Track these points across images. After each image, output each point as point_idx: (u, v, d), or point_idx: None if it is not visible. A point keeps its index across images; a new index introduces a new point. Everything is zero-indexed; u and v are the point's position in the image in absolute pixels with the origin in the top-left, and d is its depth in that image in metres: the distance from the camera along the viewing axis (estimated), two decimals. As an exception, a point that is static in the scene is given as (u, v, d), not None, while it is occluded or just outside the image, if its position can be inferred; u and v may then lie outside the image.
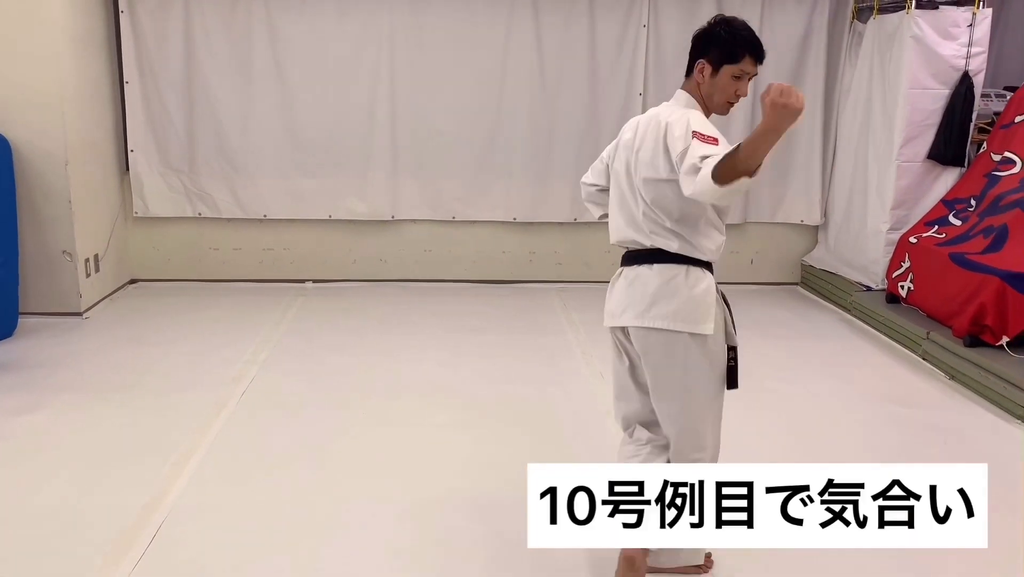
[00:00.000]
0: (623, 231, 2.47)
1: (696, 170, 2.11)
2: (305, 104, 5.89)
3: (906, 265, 5.22)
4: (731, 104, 2.43)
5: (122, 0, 5.57)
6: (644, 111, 5.92)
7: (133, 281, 6.07)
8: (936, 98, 5.31)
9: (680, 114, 2.30)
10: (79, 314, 5.16)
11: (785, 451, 3.58)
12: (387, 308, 5.63)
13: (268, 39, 5.74)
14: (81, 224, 5.15)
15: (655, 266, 2.37)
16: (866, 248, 5.73)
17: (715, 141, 2.19)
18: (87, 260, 5.26)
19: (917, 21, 5.18)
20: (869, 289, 5.65)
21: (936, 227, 5.22)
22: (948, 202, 5.35)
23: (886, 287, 5.44)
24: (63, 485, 3.12)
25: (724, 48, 2.36)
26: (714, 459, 2.53)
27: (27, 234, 4.95)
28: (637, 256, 2.42)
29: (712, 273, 2.41)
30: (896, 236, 5.45)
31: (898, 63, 5.35)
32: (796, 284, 6.58)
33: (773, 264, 6.58)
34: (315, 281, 6.20)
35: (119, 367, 4.37)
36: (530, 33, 5.90)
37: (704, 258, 2.37)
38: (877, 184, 5.62)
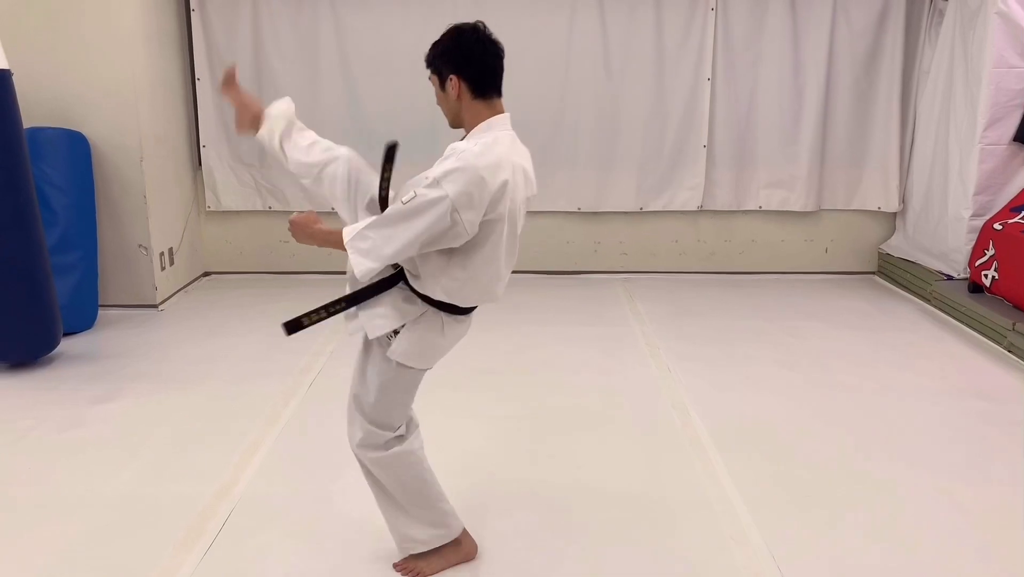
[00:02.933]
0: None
1: None
2: (370, 97, 5.93)
3: (990, 253, 4.99)
4: None
5: (193, -2, 5.70)
6: (712, 97, 5.89)
7: (206, 274, 6.21)
8: (1023, 77, 5.05)
9: None
10: (155, 306, 5.31)
11: (861, 449, 3.46)
12: (452, 299, 5.64)
13: (334, 33, 5.79)
14: (156, 218, 5.29)
15: None
16: (947, 235, 5.50)
17: None
18: (162, 253, 5.40)
19: (1003, -4, 4.94)
20: (950, 278, 5.43)
21: (1022, 213, 4.98)
22: (1036, 187, 5.10)
23: (968, 276, 5.22)
24: (137, 472, 3.21)
25: None
26: None
27: (105, 229, 5.11)
28: None
29: None
30: (979, 223, 5.21)
31: (982, 41, 5.11)
32: (873, 273, 6.37)
33: (849, 253, 6.37)
34: (382, 273, 6.24)
35: (192, 358, 4.48)
36: (594, 19, 5.82)
37: None
38: (959, 168, 5.39)
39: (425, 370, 2.39)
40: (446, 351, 2.38)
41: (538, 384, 4.15)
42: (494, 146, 2.12)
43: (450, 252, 2.19)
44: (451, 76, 2.18)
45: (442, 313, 2.28)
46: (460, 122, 2.25)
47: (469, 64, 2.17)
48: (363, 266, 2.13)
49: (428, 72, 2.24)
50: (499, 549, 2.70)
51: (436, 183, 2.07)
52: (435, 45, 2.23)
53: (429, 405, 3.84)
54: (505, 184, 2.11)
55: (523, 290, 5.81)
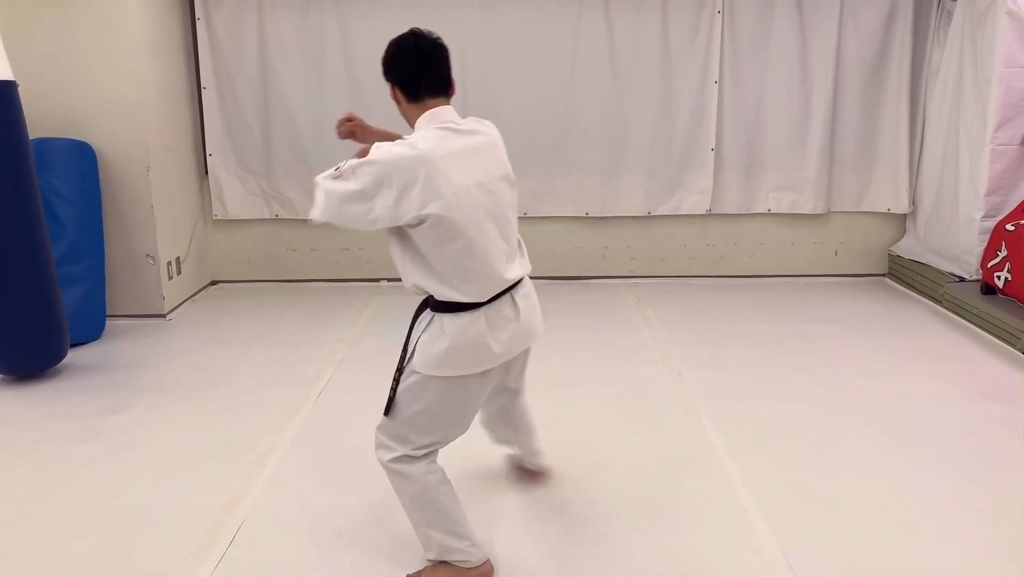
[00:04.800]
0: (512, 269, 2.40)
1: None
2: (376, 104, 5.88)
3: (1003, 254, 4.95)
4: None
5: (198, 7, 5.68)
6: (720, 100, 5.86)
7: (214, 283, 6.20)
8: (1034, 77, 5.02)
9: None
10: (163, 316, 5.30)
11: (876, 454, 3.42)
12: (461, 306, 5.62)
13: (340, 40, 5.78)
14: (163, 228, 5.29)
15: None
16: (958, 237, 5.46)
17: None
18: (169, 263, 5.39)
19: (1012, -4, 4.91)
20: (962, 280, 5.39)
21: (1035, 213, 4.94)
22: (1048, 187, 5.06)
23: (981, 277, 5.17)
24: (147, 484, 3.19)
25: None
26: None
27: (112, 238, 5.11)
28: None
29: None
30: (991, 224, 5.17)
31: (991, 41, 5.07)
32: (883, 275, 6.32)
33: (859, 255, 6.33)
34: (389, 280, 6.23)
35: (201, 367, 4.46)
36: (600, 23, 5.80)
37: None
38: (970, 169, 5.35)
39: (449, 383, 2.35)
40: (462, 355, 2.31)
41: (548, 390, 4.11)
42: (415, 142, 2.21)
43: (416, 249, 2.24)
44: (391, 85, 2.38)
45: (443, 315, 2.29)
46: (411, 124, 2.40)
47: (397, 74, 2.35)
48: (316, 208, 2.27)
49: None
50: (510, 556, 2.67)
51: (350, 171, 2.20)
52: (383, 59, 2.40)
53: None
54: (424, 176, 2.15)
55: (531, 296, 5.78)
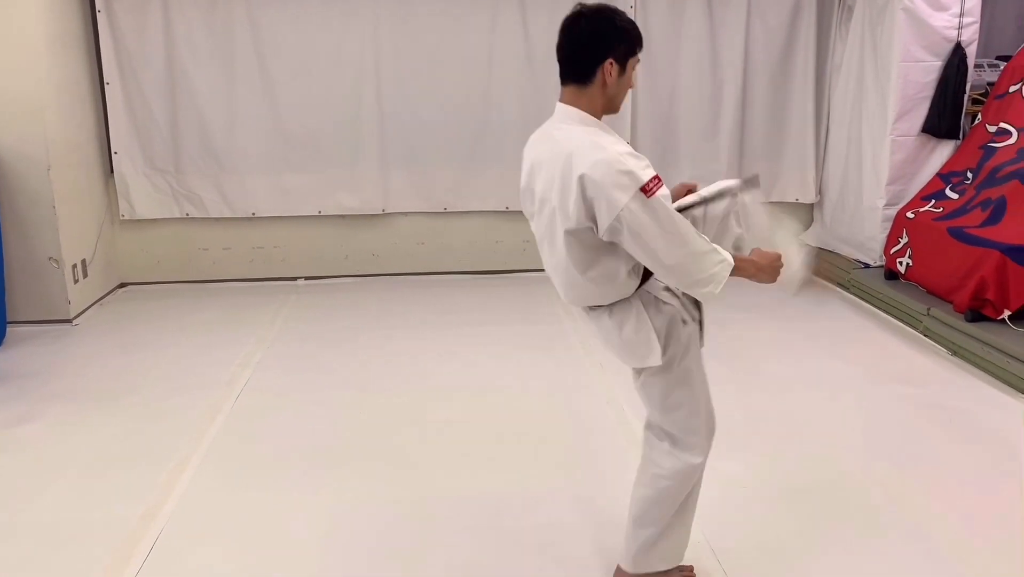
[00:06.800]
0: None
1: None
2: (290, 98, 5.80)
3: (904, 241, 5.17)
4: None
5: (98, -2, 5.47)
6: (634, 94, 5.94)
7: (123, 285, 5.99)
8: (929, 70, 5.25)
9: (591, 148, 2.09)
10: (68, 321, 5.09)
11: (785, 436, 3.53)
12: (381, 303, 5.57)
13: (250, 33, 5.64)
14: (67, 229, 5.07)
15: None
16: (862, 225, 5.68)
17: (658, 180, 2.07)
18: (74, 266, 5.18)
19: (907, -8, 5.12)
20: (867, 266, 5.61)
21: (933, 201, 5.17)
22: (944, 176, 5.30)
23: (884, 264, 5.39)
24: (58, 497, 3.06)
25: (629, 41, 2.11)
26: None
27: (11, 242, 4.87)
28: None
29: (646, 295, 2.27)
30: (892, 212, 5.40)
31: (889, 36, 5.28)
32: (793, 263, 6.52)
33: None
34: (307, 278, 6.13)
35: (111, 374, 4.31)
36: (516, 15, 5.81)
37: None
38: (872, 160, 5.57)
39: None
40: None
41: (472, 386, 4.12)
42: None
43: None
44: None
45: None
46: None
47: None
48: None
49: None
50: (431, 553, 2.67)
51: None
52: None
53: (369, 412, 3.79)
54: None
55: (453, 291, 5.77)
